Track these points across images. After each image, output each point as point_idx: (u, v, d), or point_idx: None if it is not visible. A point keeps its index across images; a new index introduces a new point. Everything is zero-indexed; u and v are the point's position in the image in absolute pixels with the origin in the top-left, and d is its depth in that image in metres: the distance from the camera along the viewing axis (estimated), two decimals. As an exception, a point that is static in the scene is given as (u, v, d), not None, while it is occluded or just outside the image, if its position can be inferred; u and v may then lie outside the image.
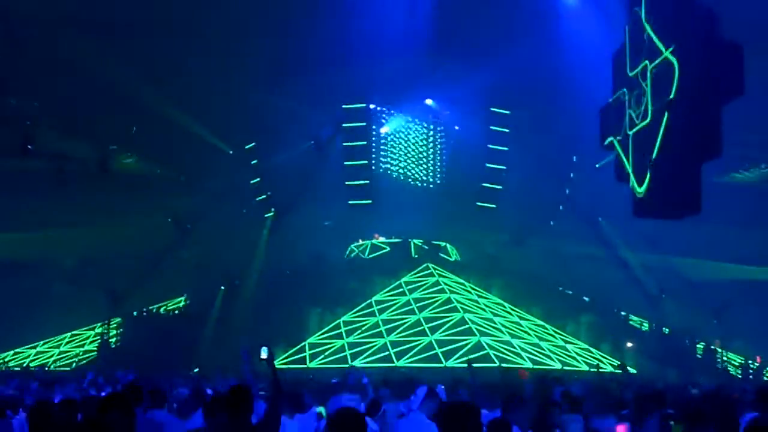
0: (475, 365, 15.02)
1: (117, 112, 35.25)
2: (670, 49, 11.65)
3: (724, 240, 36.72)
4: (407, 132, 45.98)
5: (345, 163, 42.66)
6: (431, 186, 45.95)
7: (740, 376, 33.87)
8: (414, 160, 46.10)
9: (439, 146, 46.22)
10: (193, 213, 40.97)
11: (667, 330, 38.12)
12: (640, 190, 12.47)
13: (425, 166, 46.37)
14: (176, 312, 40.57)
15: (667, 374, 30.14)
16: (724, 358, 36.79)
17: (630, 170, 12.93)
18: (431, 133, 46.33)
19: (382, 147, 44.95)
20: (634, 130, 12.88)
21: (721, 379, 29.48)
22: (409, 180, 45.55)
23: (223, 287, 39.44)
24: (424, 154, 46.31)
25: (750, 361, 37.00)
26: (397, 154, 45.86)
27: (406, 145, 45.98)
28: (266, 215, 43.19)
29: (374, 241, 44.03)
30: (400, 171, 45.51)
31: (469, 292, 38.14)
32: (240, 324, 34.94)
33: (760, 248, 36.81)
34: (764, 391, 8.18)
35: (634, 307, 41.33)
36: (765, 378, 32.37)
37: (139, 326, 38.05)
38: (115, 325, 38.28)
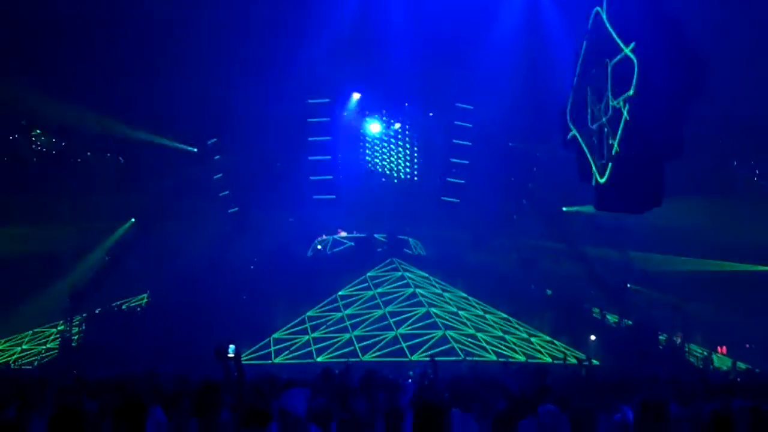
0: (438, 359, 15.11)
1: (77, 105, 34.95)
2: (631, 47, 11.83)
3: (684, 234, 37.30)
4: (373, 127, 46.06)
5: (309, 158, 42.57)
6: (395, 181, 46.06)
7: (701, 367, 34.31)
8: (379, 155, 46.15)
9: (404, 142, 46.30)
10: (155, 208, 40.65)
11: (629, 322, 38.53)
12: (602, 181, 12.65)
13: (390, 161, 46.45)
14: (139, 309, 40.16)
15: (630, 366, 30.48)
16: (686, 350, 37.26)
17: (592, 164, 13.11)
18: (397, 128, 46.41)
19: (345, 142, 44.96)
20: (596, 125, 13.06)
21: (683, 369, 29.88)
22: (375, 175, 45.59)
23: (185, 283, 39.12)
24: (388, 149, 46.37)
25: (711, 352, 37.58)
26: (363, 150, 45.89)
27: (371, 140, 46.03)
28: (230, 210, 42.96)
29: (337, 236, 44.00)
30: (364, 165, 45.52)
31: (434, 286, 38.24)
32: (204, 320, 34.64)
33: (719, 242, 37.49)
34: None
35: (596, 300, 41.79)
36: (726, 370, 32.83)
37: (101, 323, 37.59)
38: (77, 322, 37.79)
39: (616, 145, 12.05)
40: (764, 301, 35.49)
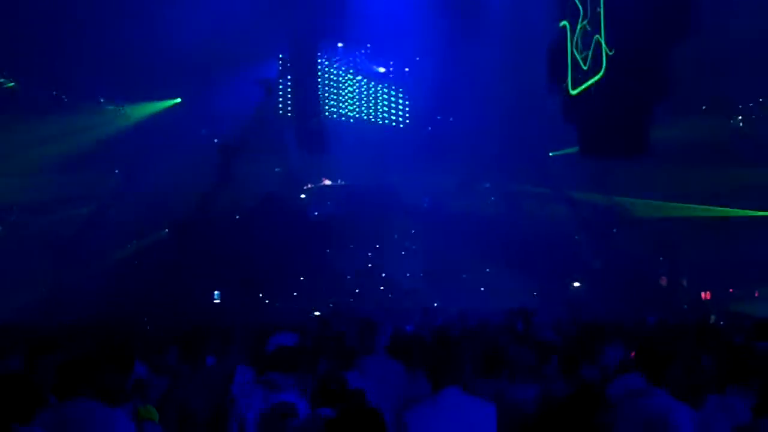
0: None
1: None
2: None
3: (670, 179, 37.35)
4: (358, 75, 45.60)
5: (293, 105, 42.21)
6: (384, 128, 45.84)
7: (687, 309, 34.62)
8: (365, 102, 45.81)
9: (391, 87, 45.89)
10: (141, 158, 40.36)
11: (616, 267, 38.79)
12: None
13: (377, 108, 46.13)
14: (125, 258, 40.02)
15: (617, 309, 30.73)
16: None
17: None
18: (383, 74, 45.95)
19: (332, 89, 44.59)
20: (582, 64, 12.91)
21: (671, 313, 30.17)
22: (359, 123, 45.32)
23: (171, 232, 39.05)
24: (374, 96, 45.98)
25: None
26: (348, 97, 45.53)
27: (358, 88, 45.65)
28: (215, 161, 42.71)
29: (320, 185, 43.93)
30: (352, 115, 45.20)
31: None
32: (191, 270, 34.64)
33: (706, 186, 37.59)
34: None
35: (582, 245, 42.02)
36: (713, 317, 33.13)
37: (86, 271, 37.52)
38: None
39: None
40: (749, 246, 35.73)
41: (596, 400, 4.81)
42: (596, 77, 11.78)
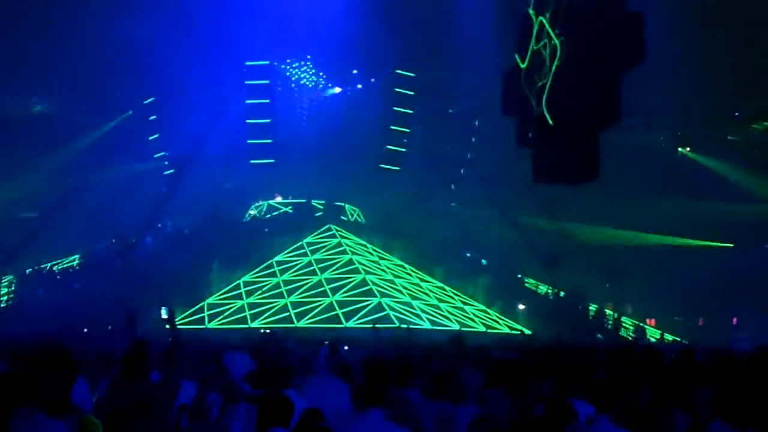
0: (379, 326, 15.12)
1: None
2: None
3: (618, 206, 37.97)
4: (312, 91, 45.60)
5: (247, 121, 42.02)
6: (335, 147, 45.83)
7: (632, 338, 35.01)
8: (317, 120, 45.80)
9: (343, 107, 45.88)
10: (89, 169, 39.80)
11: (562, 293, 39.15)
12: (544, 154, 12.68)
13: (328, 127, 46.12)
14: (71, 270, 39.32)
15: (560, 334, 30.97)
16: (617, 321, 38.03)
17: (531, 133, 13.11)
18: (336, 93, 45.96)
19: (285, 106, 44.51)
20: (535, 89, 13.02)
21: (613, 340, 30.53)
22: (312, 140, 45.24)
23: (118, 245, 38.45)
24: (328, 114, 45.98)
25: (642, 324, 38.46)
26: (301, 115, 45.50)
27: (310, 104, 45.62)
28: (165, 173, 42.25)
29: (272, 201, 43.70)
30: (304, 131, 45.13)
31: (371, 254, 38.32)
32: (136, 282, 34.08)
33: (652, 215, 38.30)
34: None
35: (530, 269, 42.40)
36: (652, 340, 33.59)
37: (32, 284, 36.73)
38: (6, 283, 36.85)
39: (549, 117, 12.07)
40: (692, 274, 36.40)
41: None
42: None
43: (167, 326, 7.11)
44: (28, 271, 37.50)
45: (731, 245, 38.44)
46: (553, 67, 12.33)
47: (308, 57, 43.64)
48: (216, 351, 9.49)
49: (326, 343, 11.52)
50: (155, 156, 42.43)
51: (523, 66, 13.81)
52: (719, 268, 35.68)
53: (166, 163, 42.13)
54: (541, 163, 13.12)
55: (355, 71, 44.84)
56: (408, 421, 6.31)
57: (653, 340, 33.63)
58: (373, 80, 45.07)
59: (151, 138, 42.17)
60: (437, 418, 6.26)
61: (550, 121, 12.23)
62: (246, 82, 41.78)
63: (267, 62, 42.14)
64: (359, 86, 45.68)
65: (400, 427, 5.35)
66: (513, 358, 9.36)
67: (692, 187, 37.22)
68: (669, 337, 35.05)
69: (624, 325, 38.33)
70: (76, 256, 40.03)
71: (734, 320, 35.05)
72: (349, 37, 37.91)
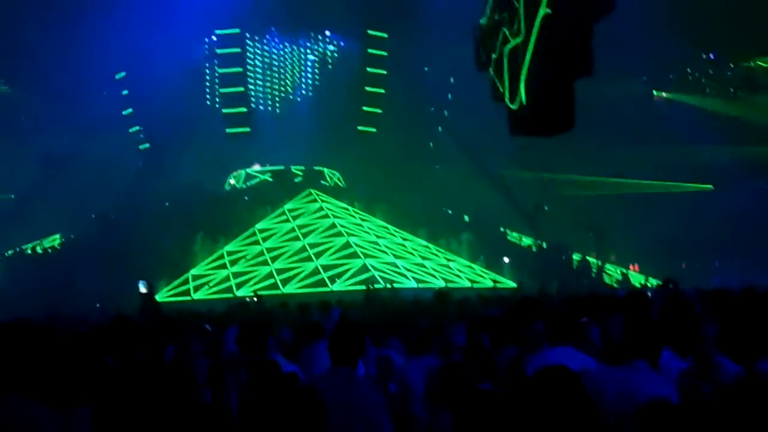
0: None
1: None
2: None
3: (597, 156, 38.11)
4: (285, 57, 45.22)
5: (221, 90, 41.66)
6: (311, 112, 45.63)
7: (617, 287, 35.27)
8: (292, 86, 45.52)
9: (317, 71, 45.57)
10: (65, 148, 39.39)
11: (545, 245, 39.40)
12: (514, 107, 12.65)
13: (303, 92, 45.88)
14: (51, 250, 39.09)
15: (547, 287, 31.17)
16: (601, 270, 38.35)
17: (505, 88, 13.07)
18: (309, 58, 45.61)
19: (258, 73, 44.15)
20: (508, 47, 12.98)
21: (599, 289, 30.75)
22: (288, 106, 45.03)
23: (98, 222, 38.20)
24: (302, 80, 45.69)
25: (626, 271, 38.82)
26: (275, 81, 45.18)
27: (283, 71, 45.30)
28: (141, 147, 41.94)
29: (249, 170, 43.54)
30: (279, 97, 44.86)
31: (353, 216, 38.32)
32: (119, 258, 33.92)
33: (630, 162, 38.47)
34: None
35: (512, 223, 42.61)
36: (639, 286, 33.87)
37: (14, 266, 36.53)
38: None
39: (526, 67, 12.02)
40: (673, 218, 36.69)
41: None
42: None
43: (146, 299, 7.14)
44: (9, 253, 37.31)
45: (710, 187, 38.65)
46: (524, 20, 12.28)
47: (279, 22, 43.10)
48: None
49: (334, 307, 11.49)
50: (130, 131, 42.03)
51: (496, 19, 13.74)
52: (699, 210, 35.95)
53: (142, 136, 41.73)
54: (517, 116, 13.08)
55: (327, 33, 44.44)
56: (392, 379, 6.38)
57: (638, 285, 33.91)
58: (343, 43, 44.72)
59: (125, 113, 41.70)
60: (424, 374, 6.30)
61: (524, 73, 12.21)
62: (217, 51, 41.28)
63: (238, 30, 41.63)
64: (332, 49, 45.32)
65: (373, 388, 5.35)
66: (495, 313, 9.38)
67: (669, 132, 37.36)
68: (653, 281, 35.37)
69: (608, 272, 38.71)
70: (57, 236, 39.83)
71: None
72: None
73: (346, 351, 5.10)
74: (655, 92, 40.61)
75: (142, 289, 6.71)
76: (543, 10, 11.30)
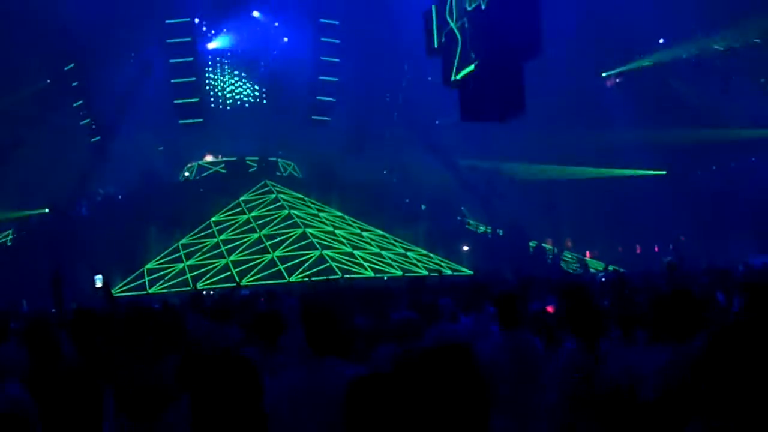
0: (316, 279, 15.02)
1: None
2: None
3: (549, 141, 38.34)
4: (235, 47, 44.80)
5: (172, 80, 41.06)
6: (264, 102, 45.27)
7: (575, 271, 35.55)
8: (244, 75, 45.12)
9: (268, 60, 45.14)
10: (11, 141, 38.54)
11: (500, 231, 39.61)
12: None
13: (256, 82, 45.52)
14: (2, 247, 38.26)
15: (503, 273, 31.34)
16: (556, 255, 38.66)
17: (455, 72, 13.02)
18: (262, 47, 45.16)
19: (210, 63, 43.73)
20: (457, 25, 12.91)
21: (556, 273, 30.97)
22: (241, 96, 44.63)
23: (51, 215, 37.49)
24: (254, 69, 45.29)
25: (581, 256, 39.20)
26: (227, 71, 44.78)
27: (234, 60, 44.90)
28: (92, 140, 41.22)
29: (202, 162, 43.12)
30: (231, 87, 44.46)
31: (309, 207, 38.13)
32: (72, 253, 33.31)
33: (583, 147, 38.73)
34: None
35: (469, 211, 42.83)
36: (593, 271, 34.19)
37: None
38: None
39: (473, 51, 12.00)
40: (627, 204, 37.11)
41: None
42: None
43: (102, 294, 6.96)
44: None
45: (664, 172, 39.08)
46: (474, 4, 12.23)
47: (230, 12, 42.60)
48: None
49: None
50: (81, 123, 41.25)
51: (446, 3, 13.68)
52: (653, 195, 36.35)
53: (94, 127, 41.00)
54: (468, 102, 13.07)
55: (276, 24, 44.10)
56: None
57: (594, 271, 34.25)
58: (295, 32, 44.36)
59: (75, 105, 40.90)
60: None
61: (473, 58, 12.17)
62: (167, 41, 40.67)
63: (188, 19, 41.08)
64: (285, 38, 44.99)
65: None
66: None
67: (620, 116, 37.65)
68: (610, 267, 35.76)
69: (564, 258, 39.05)
70: (9, 231, 39.04)
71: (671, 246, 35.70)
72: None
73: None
74: (604, 74, 40.63)
75: (98, 284, 6.56)
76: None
